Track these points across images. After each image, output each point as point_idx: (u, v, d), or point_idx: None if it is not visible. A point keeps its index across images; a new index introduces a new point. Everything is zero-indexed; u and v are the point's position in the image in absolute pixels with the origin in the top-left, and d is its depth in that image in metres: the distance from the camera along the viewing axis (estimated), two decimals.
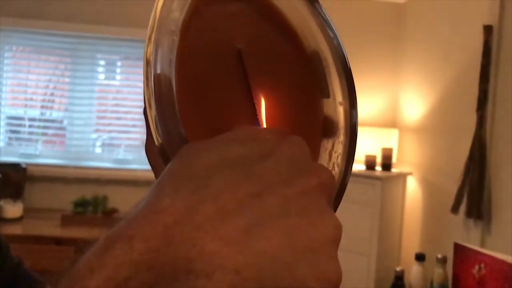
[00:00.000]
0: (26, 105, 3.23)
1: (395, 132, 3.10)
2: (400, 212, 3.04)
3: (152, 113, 0.26)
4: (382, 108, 3.23)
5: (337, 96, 0.31)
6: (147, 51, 0.26)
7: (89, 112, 3.20)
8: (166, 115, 0.26)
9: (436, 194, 2.73)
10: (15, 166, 2.89)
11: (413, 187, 2.99)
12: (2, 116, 3.14)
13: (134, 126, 3.24)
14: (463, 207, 2.29)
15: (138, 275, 0.20)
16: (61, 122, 3.27)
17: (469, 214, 2.26)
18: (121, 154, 3.18)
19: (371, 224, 2.75)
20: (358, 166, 2.90)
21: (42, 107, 3.25)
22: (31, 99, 3.24)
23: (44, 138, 3.22)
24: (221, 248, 0.20)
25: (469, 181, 2.27)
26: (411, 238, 2.96)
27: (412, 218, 2.97)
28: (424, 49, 2.99)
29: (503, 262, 1.11)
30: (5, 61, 3.12)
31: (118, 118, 3.27)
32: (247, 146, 0.24)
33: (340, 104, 0.31)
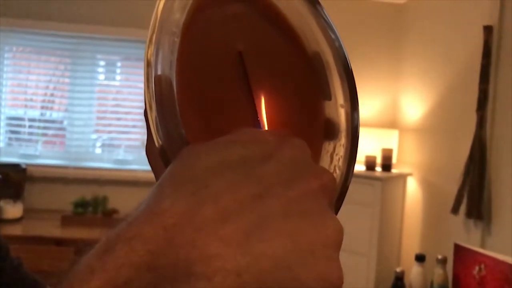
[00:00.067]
0: (26, 106, 3.23)
1: (395, 133, 3.10)
2: (400, 213, 3.04)
3: (152, 115, 0.25)
4: (382, 108, 3.23)
5: (338, 98, 0.31)
6: (148, 52, 0.26)
7: (89, 112, 3.20)
8: (166, 116, 0.26)
9: (436, 194, 2.73)
10: (15, 167, 2.89)
11: (413, 187, 2.99)
12: (2, 117, 3.14)
13: (134, 126, 3.24)
14: (463, 208, 2.29)
15: (139, 277, 0.20)
16: (61, 122, 3.27)
17: (469, 214, 2.26)
18: (121, 154, 3.18)
19: (371, 225, 2.75)
20: (358, 166, 2.90)
21: (42, 107, 3.25)
22: (31, 100, 3.24)
23: (44, 138, 3.22)
24: (221, 250, 0.20)
25: (469, 181, 2.27)
26: (411, 238, 2.96)
27: (412, 218, 2.97)
28: (424, 49, 2.99)
29: (503, 263, 1.11)
30: (5, 62, 3.12)
31: (118, 119, 3.27)
32: (248, 148, 0.24)
33: (342, 106, 0.31)
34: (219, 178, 0.22)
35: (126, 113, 3.26)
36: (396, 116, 3.25)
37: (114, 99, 3.30)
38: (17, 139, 3.20)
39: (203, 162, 0.23)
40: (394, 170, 3.00)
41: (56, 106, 3.28)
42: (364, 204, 2.71)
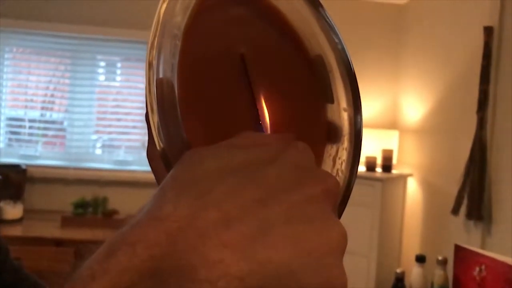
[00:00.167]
0: (26, 106, 3.23)
1: (395, 134, 3.10)
2: (401, 214, 3.04)
3: (154, 118, 0.25)
4: (382, 109, 3.23)
5: (341, 101, 0.31)
6: (149, 55, 0.26)
7: (89, 113, 3.20)
8: (168, 119, 0.25)
9: (437, 195, 2.73)
10: (15, 167, 2.89)
11: (413, 188, 2.98)
12: (2, 117, 3.14)
13: (134, 127, 3.24)
14: (463, 209, 2.29)
15: (141, 282, 0.19)
16: (61, 123, 3.27)
17: (469, 215, 2.26)
18: (121, 155, 3.18)
19: (371, 226, 2.75)
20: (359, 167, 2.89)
21: (42, 108, 3.25)
22: (31, 100, 3.24)
23: (44, 139, 3.22)
24: (225, 255, 0.19)
25: (470, 182, 2.27)
26: (412, 239, 2.96)
27: (413, 219, 2.97)
28: (424, 50, 2.99)
29: (503, 263, 1.10)
30: (6, 62, 3.12)
31: (118, 119, 3.27)
32: (250, 152, 0.24)
33: (345, 110, 0.31)
34: (221, 183, 0.22)
35: (126, 113, 3.26)
36: (397, 117, 3.25)
37: (114, 99, 3.30)
38: (17, 140, 3.20)
39: (205, 166, 0.23)
40: (394, 171, 3.00)
41: (56, 107, 3.28)
42: (364, 205, 2.71)
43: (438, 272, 1.37)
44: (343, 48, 0.31)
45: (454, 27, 2.64)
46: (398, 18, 3.24)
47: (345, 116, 0.31)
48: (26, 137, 3.19)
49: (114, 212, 2.82)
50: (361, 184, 2.70)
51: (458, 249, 1.24)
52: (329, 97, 0.31)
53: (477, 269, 1.16)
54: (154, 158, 0.30)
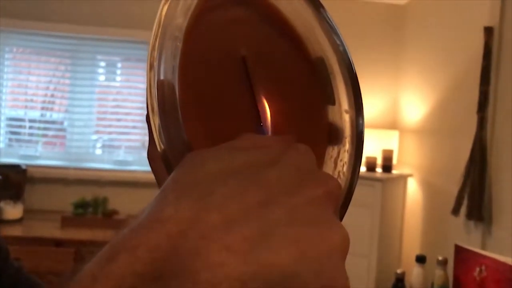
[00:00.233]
0: (26, 107, 3.23)
1: (395, 134, 3.10)
2: (401, 214, 3.04)
3: (155, 119, 0.25)
4: (382, 109, 3.23)
5: (343, 103, 0.31)
6: (150, 57, 0.26)
7: (89, 113, 3.21)
8: (169, 121, 0.25)
9: (437, 196, 2.73)
10: (15, 168, 2.89)
11: (413, 188, 2.98)
12: (2, 118, 3.14)
13: (134, 127, 3.24)
14: (463, 209, 2.29)
15: (142, 286, 0.19)
16: (61, 123, 3.27)
17: (469, 216, 2.26)
18: (121, 155, 3.18)
19: (371, 226, 2.75)
20: None
21: (43, 108, 3.25)
22: (32, 101, 3.25)
23: (44, 139, 3.22)
24: (227, 258, 0.19)
25: (470, 183, 2.27)
26: (412, 240, 2.96)
27: (413, 220, 2.97)
28: (424, 51, 2.99)
29: (504, 264, 1.10)
30: (6, 62, 3.12)
31: (118, 120, 3.27)
32: (252, 154, 0.24)
33: (346, 112, 0.31)
34: (223, 185, 0.21)
35: (126, 114, 3.26)
36: (397, 117, 3.25)
37: (114, 100, 3.30)
38: (17, 140, 3.20)
39: (207, 168, 0.22)
40: (394, 171, 3.00)
41: (56, 107, 3.28)
42: (365, 205, 2.71)
43: (438, 273, 1.37)
44: (344, 50, 0.31)
45: (455, 27, 2.64)
46: (398, 19, 3.24)
47: (346, 118, 0.31)
48: (26, 137, 3.19)
49: (114, 212, 2.82)
50: (361, 184, 2.68)
51: (458, 249, 1.24)
52: (331, 99, 0.31)
53: (478, 269, 1.16)
54: (154, 159, 0.30)
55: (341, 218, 0.27)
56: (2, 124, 3.15)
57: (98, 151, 3.27)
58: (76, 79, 3.17)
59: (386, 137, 3.06)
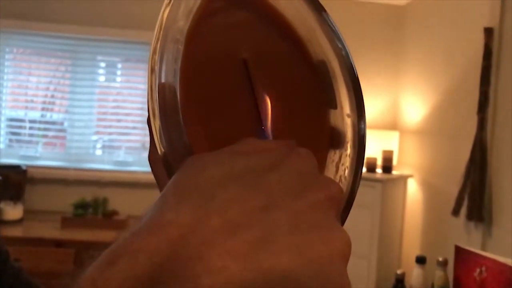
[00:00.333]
0: (26, 107, 3.23)
1: (395, 135, 3.10)
2: (401, 215, 3.04)
3: (156, 123, 0.25)
4: (382, 110, 3.23)
5: (344, 107, 0.31)
6: (151, 60, 0.26)
7: (89, 114, 3.21)
8: (170, 124, 0.25)
9: (437, 196, 2.72)
10: (15, 168, 2.89)
11: (413, 189, 2.98)
12: (3, 118, 3.14)
13: (134, 128, 3.24)
14: (464, 210, 2.29)
15: None
16: (61, 124, 3.27)
17: (470, 216, 2.26)
18: (121, 156, 3.18)
19: (371, 227, 2.75)
20: None
21: (43, 109, 3.25)
22: (32, 101, 3.25)
23: (44, 140, 3.22)
24: (228, 263, 0.19)
25: (470, 183, 2.27)
26: (412, 240, 2.96)
27: (413, 220, 2.96)
28: (424, 51, 2.99)
29: (504, 265, 1.10)
30: (6, 63, 3.13)
31: (119, 120, 3.27)
32: (253, 159, 0.24)
33: (348, 116, 0.31)
34: (224, 189, 0.21)
35: (127, 114, 3.26)
36: (397, 118, 3.25)
37: (115, 100, 3.30)
38: (18, 141, 3.20)
39: (208, 172, 0.22)
40: (394, 172, 3.00)
41: (56, 108, 3.28)
42: (365, 206, 2.71)
43: (438, 273, 1.37)
44: (346, 54, 0.31)
45: (455, 28, 2.64)
46: (399, 19, 3.24)
47: (348, 122, 0.31)
48: (27, 138, 3.19)
49: (114, 213, 2.82)
50: (361, 185, 2.62)
51: (458, 250, 1.24)
52: (332, 103, 0.31)
53: (478, 270, 1.16)
54: (155, 163, 0.30)
55: (342, 223, 0.27)
56: (2, 125, 3.15)
57: (98, 152, 3.27)
58: (76, 79, 3.18)
59: (386, 137, 3.06)
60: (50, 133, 3.26)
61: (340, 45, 0.31)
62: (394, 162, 3.01)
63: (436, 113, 2.78)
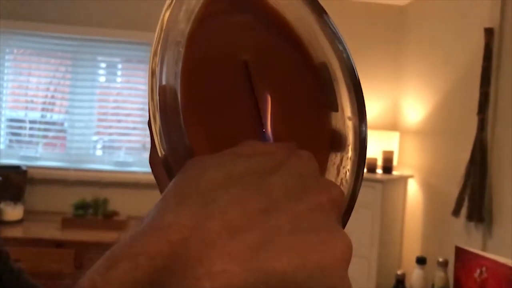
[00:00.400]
0: (26, 108, 3.23)
1: (396, 135, 3.10)
2: (401, 215, 3.04)
3: (156, 125, 0.25)
4: (383, 110, 3.23)
5: (346, 110, 0.31)
6: (152, 63, 0.26)
7: (89, 114, 3.21)
8: (171, 127, 0.25)
9: (437, 197, 2.72)
10: (15, 169, 2.89)
11: (414, 190, 2.98)
12: (3, 119, 3.14)
13: (134, 128, 3.24)
14: (464, 210, 2.29)
15: None
16: (61, 124, 3.27)
17: (470, 217, 2.26)
18: (121, 156, 3.18)
19: (371, 227, 2.75)
20: None
21: (43, 109, 3.25)
22: (32, 102, 3.25)
23: (44, 140, 3.22)
24: (229, 266, 0.19)
25: (470, 184, 2.27)
26: (412, 241, 2.96)
27: (413, 221, 2.96)
28: (425, 52, 2.99)
29: (504, 266, 1.10)
30: (6, 64, 3.13)
31: (119, 121, 3.27)
32: (254, 161, 0.23)
33: (349, 118, 0.31)
34: (225, 192, 0.21)
35: (127, 115, 3.26)
36: (397, 118, 3.25)
37: (115, 101, 3.30)
38: (18, 141, 3.20)
39: (209, 175, 0.22)
40: (395, 172, 2.99)
41: (56, 108, 3.28)
42: (365, 206, 2.71)
43: (438, 274, 1.37)
44: (348, 56, 0.31)
45: (455, 28, 2.64)
46: (399, 19, 3.24)
47: (349, 124, 0.30)
48: (27, 138, 3.19)
49: (115, 213, 2.82)
50: (361, 185, 2.70)
51: (459, 251, 1.24)
52: (334, 105, 0.31)
53: (478, 271, 1.16)
54: (156, 165, 0.30)
55: (343, 226, 0.27)
56: (3, 125, 3.15)
57: (99, 152, 3.27)
58: (77, 80, 3.18)
59: (387, 138, 3.06)
60: (50, 134, 3.26)
61: (341, 47, 0.31)
62: (395, 162, 3.01)
63: (436, 113, 2.78)
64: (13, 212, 2.73)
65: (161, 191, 0.28)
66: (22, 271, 0.58)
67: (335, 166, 0.30)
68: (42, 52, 3.17)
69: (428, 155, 2.86)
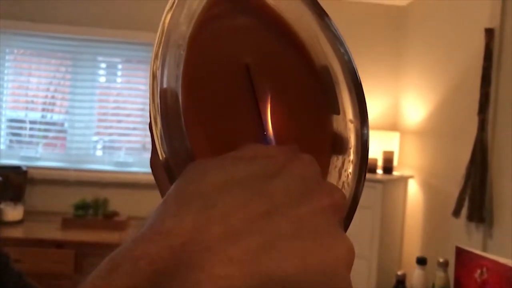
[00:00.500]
0: (27, 108, 3.23)
1: (396, 135, 3.10)
2: (402, 216, 3.04)
3: (157, 128, 0.25)
4: (383, 111, 3.23)
5: (347, 113, 0.31)
6: (153, 66, 0.26)
7: (89, 114, 3.21)
8: (171, 130, 0.25)
9: (438, 197, 2.72)
10: (15, 169, 2.89)
11: (414, 190, 2.98)
12: (3, 119, 3.14)
13: (134, 129, 3.24)
14: (464, 211, 2.29)
15: None
16: (62, 124, 3.27)
17: (470, 217, 2.25)
18: (121, 157, 3.18)
19: (372, 228, 2.75)
20: None
21: (43, 109, 3.25)
22: (32, 102, 3.25)
23: (45, 140, 3.22)
24: (230, 270, 0.19)
25: (471, 184, 2.26)
26: (413, 241, 2.95)
27: (414, 221, 2.96)
28: (425, 52, 2.99)
29: (505, 266, 1.10)
30: (6, 64, 3.13)
31: (119, 121, 3.27)
32: (256, 165, 0.23)
33: (351, 121, 0.30)
34: (226, 196, 0.21)
35: (127, 115, 3.26)
36: (397, 119, 3.25)
37: (115, 101, 3.30)
38: (18, 141, 3.20)
39: (210, 178, 0.22)
40: (395, 173, 2.99)
41: (57, 108, 3.28)
42: (365, 206, 2.71)
43: (439, 275, 1.36)
44: (349, 59, 0.31)
45: (455, 29, 2.64)
46: (399, 20, 3.24)
47: (351, 127, 0.30)
48: (27, 139, 3.19)
49: (115, 213, 2.82)
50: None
51: (459, 251, 1.24)
52: (335, 108, 0.31)
53: (479, 271, 1.16)
54: (157, 168, 0.30)
55: (345, 229, 0.27)
56: (3, 126, 3.15)
57: (99, 153, 3.27)
58: (77, 80, 3.18)
59: (387, 138, 3.06)
60: (51, 134, 3.26)
61: (342, 50, 0.31)
62: (395, 163, 3.00)
63: (436, 113, 2.78)
64: (13, 212, 2.73)
65: (162, 194, 0.28)
66: (22, 274, 0.58)
67: (337, 169, 0.30)
68: (42, 52, 3.17)
69: (429, 156, 2.86)
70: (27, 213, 2.81)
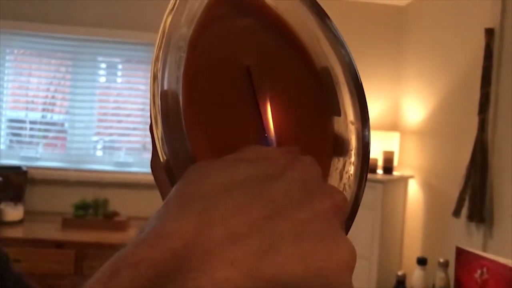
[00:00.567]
0: (27, 108, 3.23)
1: (396, 135, 3.10)
2: (402, 216, 3.04)
3: (158, 130, 0.25)
4: (383, 111, 3.23)
5: (348, 114, 0.31)
6: (154, 67, 0.26)
7: (90, 115, 3.21)
8: (172, 131, 0.25)
9: (438, 197, 2.72)
10: (16, 169, 2.89)
11: (414, 190, 2.98)
12: (3, 119, 3.14)
13: (135, 129, 3.24)
14: (465, 211, 2.29)
15: None
16: (62, 125, 3.27)
17: (471, 217, 2.25)
18: (122, 157, 3.18)
19: (372, 228, 2.75)
20: None
21: (43, 110, 3.25)
22: (32, 102, 3.25)
23: (45, 141, 3.22)
24: (232, 274, 0.19)
25: (471, 184, 2.26)
26: (413, 241, 2.95)
27: (414, 221, 2.96)
28: (425, 52, 2.99)
29: (505, 266, 1.10)
30: (6, 64, 3.13)
31: (119, 121, 3.27)
32: (257, 167, 0.23)
33: (352, 123, 0.30)
34: (227, 199, 0.21)
35: (127, 115, 3.26)
36: (398, 119, 3.24)
37: (115, 101, 3.30)
38: (18, 142, 3.20)
39: (211, 181, 0.22)
40: (395, 173, 2.99)
41: (57, 109, 3.28)
42: (366, 207, 2.70)
43: (439, 275, 1.36)
44: (350, 60, 0.31)
45: (455, 29, 2.64)
46: (399, 20, 3.24)
47: (352, 129, 0.30)
48: (27, 139, 3.19)
49: (115, 214, 2.82)
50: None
51: (459, 251, 1.24)
52: (336, 110, 0.31)
53: (479, 271, 1.16)
54: (158, 170, 0.30)
55: (346, 232, 0.27)
56: (3, 126, 3.15)
57: (99, 153, 3.27)
58: (77, 80, 3.18)
59: (387, 138, 3.06)
60: (51, 134, 3.26)
61: (343, 51, 0.31)
62: (395, 163, 3.00)
63: (437, 114, 2.78)
64: (14, 212, 2.73)
65: (163, 196, 0.28)
66: (23, 275, 0.58)
67: (338, 171, 0.30)
68: (42, 52, 3.17)
69: (429, 156, 2.86)
70: (27, 213, 2.81)
